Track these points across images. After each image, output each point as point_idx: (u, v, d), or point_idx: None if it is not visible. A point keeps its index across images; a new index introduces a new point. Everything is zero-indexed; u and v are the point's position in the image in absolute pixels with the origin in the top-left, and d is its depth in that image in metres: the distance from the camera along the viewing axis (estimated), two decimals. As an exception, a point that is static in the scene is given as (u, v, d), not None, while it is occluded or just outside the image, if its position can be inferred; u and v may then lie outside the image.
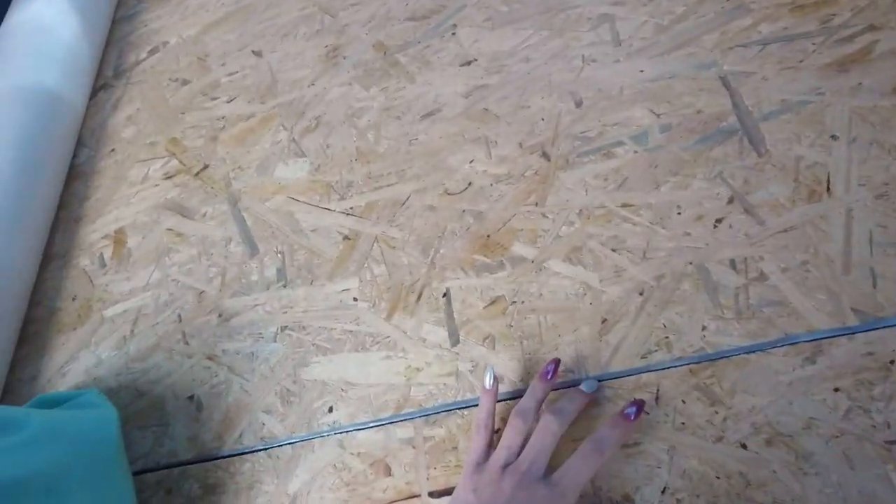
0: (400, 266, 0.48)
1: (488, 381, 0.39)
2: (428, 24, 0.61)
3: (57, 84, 0.66)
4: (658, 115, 0.47)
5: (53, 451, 0.39)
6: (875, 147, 0.40)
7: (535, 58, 0.54)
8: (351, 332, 0.46)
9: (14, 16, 0.70)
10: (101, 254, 0.59)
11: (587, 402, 0.36)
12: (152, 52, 0.74)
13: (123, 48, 0.76)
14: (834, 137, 0.42)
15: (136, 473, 0.45)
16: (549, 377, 0.37)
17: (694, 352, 0.38)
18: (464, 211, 0.48)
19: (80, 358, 0.53)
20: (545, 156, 0.49)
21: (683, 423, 0.36)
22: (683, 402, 0.36)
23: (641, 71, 0.50)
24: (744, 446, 0.34)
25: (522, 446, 0.35)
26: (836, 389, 0.34)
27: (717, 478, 0.34)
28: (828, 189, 0.40)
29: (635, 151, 0.46)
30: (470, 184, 0.50)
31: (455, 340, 0.43)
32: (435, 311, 0.45)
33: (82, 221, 0.62)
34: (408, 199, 0.51)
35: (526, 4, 0.58)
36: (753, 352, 0.36)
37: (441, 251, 0.47)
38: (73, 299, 0.57)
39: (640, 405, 0.34)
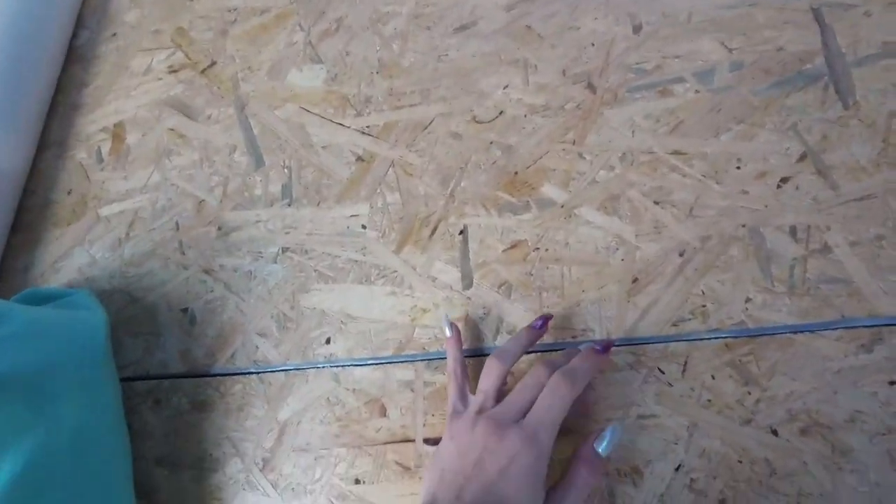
0: (416, 196, 0.42)
1: (448, 330, 0.35)
2: (473, -82, 0.51)
3: (54, -47, 0.58)
4: (730, 50, 0.39)
5: (37, 349, 0.36)
6: None
7: (594, -31, 0.45)
8: (356, 261, 0.42)
9: None
10: (99, 148, 0.54)
11: (602, 363, 0.32)
12: (161, -73, 0.64)
13: (130, -80, 0.66)
14: (941, 95, 0.34)
15: (125, 380, 0.43)
16: (538, 328, 0.33)
17: (733, 325, 0.33)
18: (492, 142, 0.42)
19: (73, 255, 0.50)
20: (591, 87, 0.41)
21: (710, 401, 0.32)
22: (713, 377, 0.32)
23: (718, -6, 0.41)
24: (775, 432, 0.30)
25: (499, 390, 0.31)
26: (892, 383, 0.29)
27: (740, 462, 0.30)
28: (923, 156, 0.33)
29: (697, 91, 0.39)
30: (501, 112, 0.43)
31: (468, 283, 0.39)
32: (449, 249, 0.40)
33: (80, 110, 0.57)
34: (431, 122, 0.44)
35: None
36: (802, 332, 0.32)
37: (462, 184, 0.42)
38: (69, 193, 0.53)
39: (608, 343, 0.32)
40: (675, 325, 0.34)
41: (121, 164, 0.52)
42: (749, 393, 0.31)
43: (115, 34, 0.59)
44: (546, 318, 0.34)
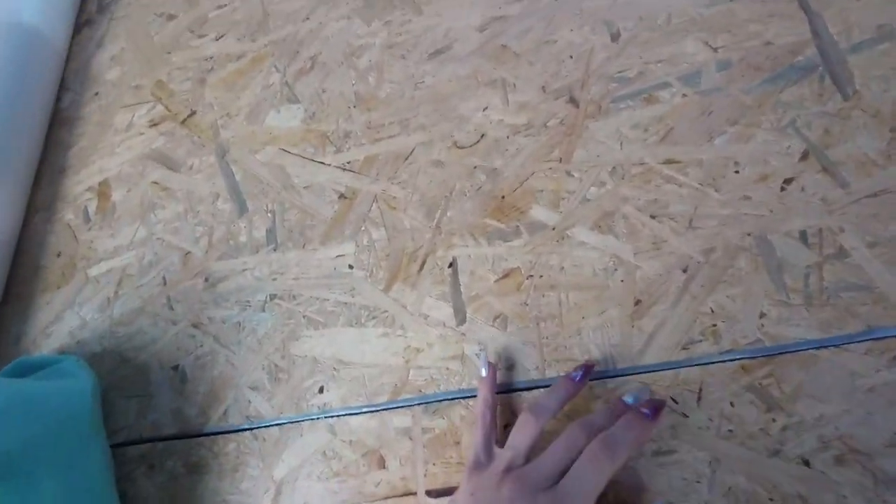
0: (401, 230, 0.41)
1: (483, 370, 0.32)
2: (439, -58, 0.50)
3: (36, 19, 0.58)
4: (715, 49, 0.37)
5: (19, 426, 0.34)
6: None
7: (566, -20, 0.44)
8: (345, 303, 0.40)
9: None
10: (86, 207, 0.53)
11: (650, 431, 0.28)
12: (138, -17, 0.65)
13: (108, -21, 0.67)
14: (949, 76, 0.32)
15: (118, 445, 0.41)
16: (578, 380, 0.30)
17: (748, 344, 0.30)
18: (475, 167, 0.40)
19: (64, 318, 0.49)
20: (573, 101, 0.40)
21: (731, 431, 0.29)
22: (732, 404, 0.29)
23: (697, -6, 0.39)
24: (806, 463, 0.27)
25: (531, 448, 0.28)
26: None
27: (771, 499, 0.27)
28: (937, 143, 0.31)
29: (684, 95, 0.37)
30: (483, 135, 0.41)
31: (461, 319, 0.37)
32: (439, 284, 0.38)
33: (66, 172, 0.56)
34: (412, 152, 0.43)
35: (557, -86, 0.46)
36: (826, 347, 0.29)
37: (448, 214, 0.40)
38: (58, 256, 0.52)
39: (659, 405, 0.27)
40: (685, 348, 0.31)
41: (107, 222, 0.51)
42: (774, 420, 0.28)
43: (97, 93, 0.59)
44: (587, 368, 0.31)
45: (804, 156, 0.33)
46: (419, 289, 0.38)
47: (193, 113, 0.53)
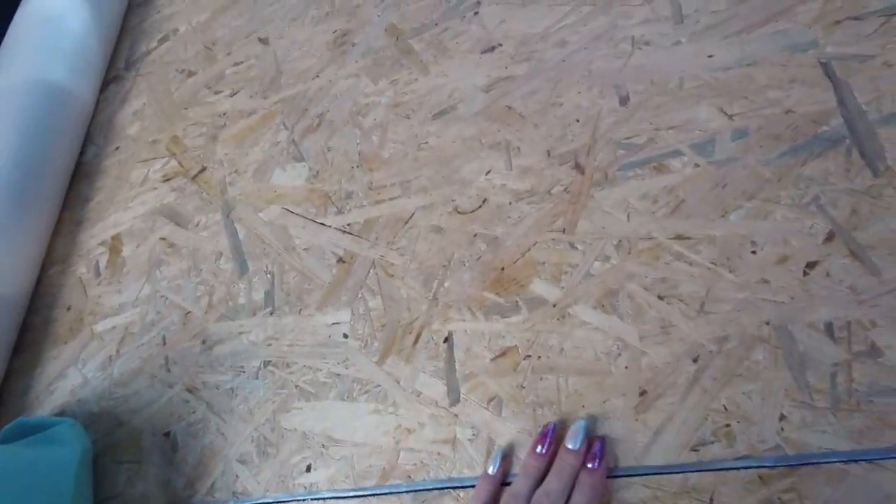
0: (398, 299, 0.40)
1: (492, 467, 0.31)
2: (448, 2, 0.51)
3: (65, 79, 0.62)
4: (731, 117, 0.36)
5: (5, 498, 0.34)
6: None
7: (573, 41, 0.43)
8: (338, 375, 0.39)
9: (25, 6, 0.66)
10: (97, 261, 0.55)
11: (602, 486, 0.28)
12: (162, 40, 0.68)
13: (136, 37, 0.71)
14: None
15: (105, 516, 0.41)
16: (543, 451, 0.29)
17: (767, 450, 0.27)
18: (475, 235, 0.39)
19: (68, 375, 0.50)
20: (578, 167, 0.38)
21: (747, 553, 0.26)
22: (749, 521, 0.26)
23: (710, 56, 0.38)
24: None
25: None
26: None
27: None
28: (982, 229, 0.28)
29: (697, 165, 0.35)
30: (485, 201, 0.40)
31: (455, 399, 0.35)
32: (434, 359, 0.37)
33: (83, 225, 0.58)
34: (411, 216, 0.42)
35: (565, -26, 0.46)
36: (857, 461, 0.26)
37: (446, 284, 0.39)
38: (68, 309, 0.53)
39: (599, 448, 0.29)
40: (694, 449, 0.28)
41: (116, 278, 0.53)
42: (796, 544, 0.25)
43: (118, 147, 0.62)
44: (548, 433, 0.30)
45: (829, 237, 0.30)
46: (413, 363, 0.37)
47: (204, 169, 0.54)
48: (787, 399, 0.28)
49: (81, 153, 0.63)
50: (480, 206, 0.40)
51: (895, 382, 0.26)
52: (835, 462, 0.26)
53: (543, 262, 0.36)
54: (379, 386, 0.37)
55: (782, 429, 0.27)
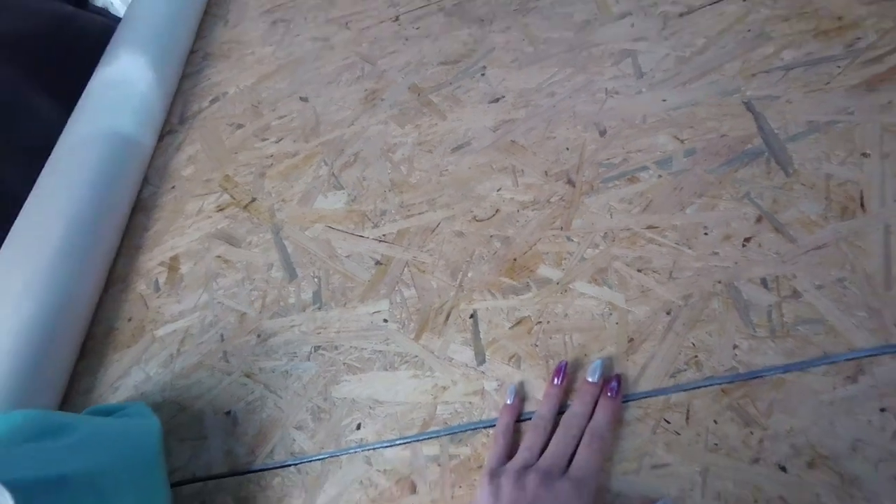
0: (429, 289, 0.49)
1: (509, 399, 0.38)
2: (459, 67, 0.64)
3: (132, 130, 0.73)
4: (682, 141, 0.47)
5: (98, 454, 0.41)
6: (910, 164, 0.39)
7: (560, 92, 0.56)
8: (380, 351, 0.47)
9: (103, 70, 0.78)
10: (157, 279, 0.63)
11: (618, 408, 0.36)
12: (213, 101, 0.81)
13: (188, 98, 0.84)
14: (865, 155, 0.41)
15: (173, 485, 0.46)
16: (559, 382, 0.37)
17: (725, 371, 0.36)
18: (491, 236, 0.49)
19: (131, 374, 0.56)
20: (570, 182, 0.49)
21: (717, 445, 0.34)
22: (716, 422, 0.35)
23: (664, 100, 0.50)
24: (783, 469, 0.32)
25: (541, 449, 0.34)
26: (883, 409, 0.32)
27: (755, 502, 0.32)
28: (861, 205, 0.39)
29: (660, 176, 0.46)
30: (497, 210, 0.51)
31: (481, 360, 0.43)
32: (462, 332, 0.45)
33: (142, 249, 0.67)
34: (438, 225, 0.52)
35: (550, 45, 0.60)
36: (790, 371, 0.35)
37: (469, 275, 0.48)
38: (129, 320, 0.61)
39: (617, 380, 0.37)
40: (672, 376, 0.37)
41: (175, 291, 0.61)
42: (752, 433, 0.33)
43: (173, 186, 0.72)
44: (561, 369, 0.38)
45: (759, 219, 0.41)
46: (445, 336, 0.45)
47: (254, 199, 0.65)
48: (738, 334, 0.37)
49: (139, 192, 0.73)
50: (494, 215, 0.50)
51: (812, 314, 0.36)
52: (775, 373, 0.35)
53: (547, 253, 0.46)
54: (416, 356, 0.46)
55: (735, 354, 0.36)
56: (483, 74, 0.62)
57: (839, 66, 0.46)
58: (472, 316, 0.46)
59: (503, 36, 0.64)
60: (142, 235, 0.69)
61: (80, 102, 0.76)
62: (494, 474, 0.34)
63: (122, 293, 0.64)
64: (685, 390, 0.36)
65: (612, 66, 0.55)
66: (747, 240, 0.40)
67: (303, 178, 0.64)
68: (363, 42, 0.75)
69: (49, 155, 0.70)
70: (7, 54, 0.77)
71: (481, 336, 0.44)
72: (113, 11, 1.12)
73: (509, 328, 0.44)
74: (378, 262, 0.53)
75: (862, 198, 0.39)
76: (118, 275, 0.66)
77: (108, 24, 0.94)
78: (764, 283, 0.38)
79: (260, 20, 0.91)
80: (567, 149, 0.52)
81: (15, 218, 0.64)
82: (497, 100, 0.59)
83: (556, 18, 0.63)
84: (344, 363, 0.48)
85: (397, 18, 0.75)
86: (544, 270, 0.45)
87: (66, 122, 0.75)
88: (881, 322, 0.34)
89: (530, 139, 0.54)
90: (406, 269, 0.51)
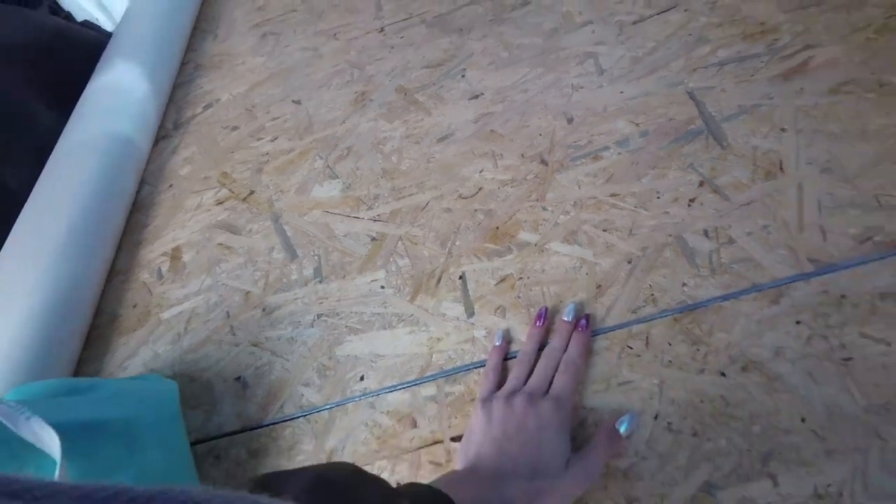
0: (421, 258, 0.56)
1: (497, 340, 0.46)
2: (441, 70, 0.73)
3: (129, 132, 0.79)
4: (637, 125, 0.57)
5: (126, 404, 0.46)
6: (818, 134, 0.49)
7: (532, 89, 0.65)
8: (379, 314, 0.54)
9: (99, 78, 0.85)
10: (160, 268, 0.69)
11: (588, 341, 0.44)
12: (207, 107, 0.88)
13: (182, 106, 0.91)
14: (783, 130, 0.50)
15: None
16: (541, 324, 0.45)
17: (677, 304, 0.44)
18: (475, 210, 0.57)
19: (139, 354, 0.61)
20: (544, 162, 0.58)
21: (670, 361, 0.42)
22: (669, 344, 0.43)
23: (621, 92, 0.60)
24: (723, 374, 0.40)
25: (526, 378, 0.41)
26: (798, 322, 0.40)
27: (701, 402, 0.39)
28: (781, 169, 0.48)
29: (619, 153, 0.55)
30: (480, 188, 0.59)
31: (470, 313, 0.51)
32: (453, 291, 0.53)
33: (142, 244, 0.73)
34: (427, 204, 0.60)
35: (523, 49, 0.70)
36: (727, 299, 0.43)
37: (457, 243, 0.56)
38: (134, 306, 0.66)
39: (586, 317, 0.44)
40: (633, 312, 0.45)
41: (178, 277, 0.67)
42: (698, 350, 0.42)
43: (171, 185, 0.78)
44: (542, 313, 0.45)
45: (700, 184, 0.50)
46: (437, 297, 0.53)
47: (252, 192, 0.71)
48: (686, 274, 0.46)
49: (137, 192, 0.79)
50: (477, 192, 0.59)
51: (743, 255, 0.45)
52: (716, 302, 0.43)
53: (525, 221, 0.54)
54: (412, 315, 0.53)
55: (684, 290, 0.45)
56: (463, 76, 0.71)
57: (762, 62, 0.56)
58: (461, 277, 0.53)
59: (480, 43, 0.74)
60: (141, 231, 0.75)
61: (78, 108, 0.82)
62: (486, 400, 0.41)
63: (124, 283, 0.69)
64: (644, 322, 0.44)
65: (576, 65, 0.65)
66: (692, 200, 0.49)
67: (299, 172, 0.71)
68: (351, 51, 0.84)
69: (46, 157, 0.76)
70: (7, 63, 0.83)
71: (470, 293, 0.52)
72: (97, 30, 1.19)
73: (494, 285, 0.51)
74: (374, 239, 0.60)
75: (781, 163, 0.49)
76: (119, 268, 0.71)
77: (99, 38, 1.01)
78: (706, 233, 0.47)
79: (249, 34, 1.00)
80: (540, 135, 0.61)
81: (14, 217, 0.69)
82: (477, 97, 0.68)
83: (527, 27, 0.73)
84: (346, 326, 0.55)
85: (382, 30, 0.85)
86: (524, 235, 0.53)
87: (61, 126, 0.81)
88: (796, 257, 0.43)
89: (507, 128, 0.63)
90: (399, 242, 0.58)
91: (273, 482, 0.28)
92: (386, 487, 0.32)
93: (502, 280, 0.51)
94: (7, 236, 0.69)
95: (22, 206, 0.72)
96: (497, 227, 0.55)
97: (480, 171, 0.60)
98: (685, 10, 0.65)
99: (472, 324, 0.50)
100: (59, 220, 0.68)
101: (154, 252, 0.71)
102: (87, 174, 0.73)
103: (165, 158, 0.83)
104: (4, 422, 0.37)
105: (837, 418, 0.36)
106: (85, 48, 0.96)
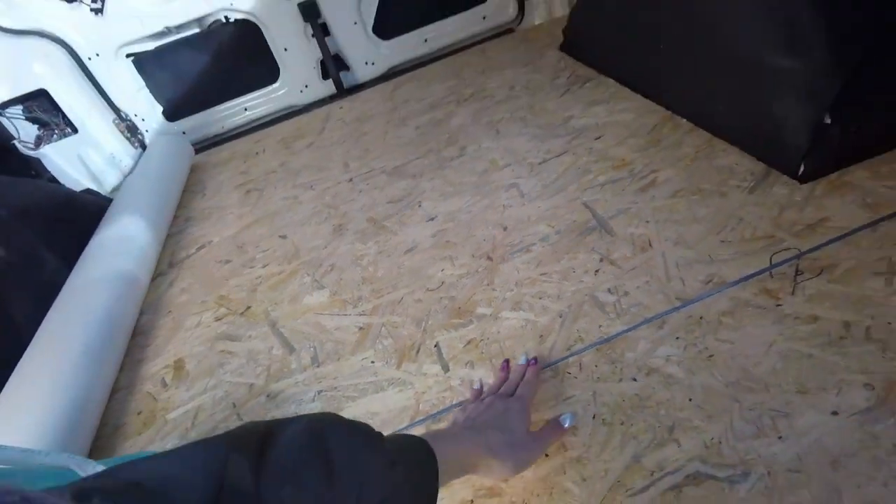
0: (402, 336, 0.71)
1: (476, 385, 0.60)
2: (402, 203, 0.96)
3: (134, 270, 0.94)
4: (552, 227, 0.80)
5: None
6: (668, 223, 0.73)
7: (474, 210, 0.88)
8: (371, 382, 0.67)
9: (107, 229, 1.01)
10: (163, 378, 0.79)
11: (536, 372, 0.59)
12: (199, 248, 1.05)
13: (176, 249, 1.07)
14: (647, 221, 0.74)
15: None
16: (503, 372, 0.60)
17: (597, 339, 0.62)
18: (441, 297, 0.75)
19: (147, 450, 0.69)
20: (489, 259, 0.78)
21: (598, 378, 0.58)
22: (596, 366, 0.59)
23: (539, 207, 0.84)
24: (634, 380, 0.56)
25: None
26: (677, 338, 0.59)
27: (623, 401, 0.55)
28: (650, 245, 0.71)
29: (543, 246, 0.77)
30: (443, 282, 0.77)
31: (446, 369, 0.65)
32: (430, 357, 0.67)
33: (144, 361, 0.83)
34: (402, 298, 0.77)
35: (464, 185, 0.95)
36: (630, 331, 0.61)
37: (429, 322, 0.72)
38: (139, 414, 0.74)
39: (535, 359, 0.60)
40: (568, 349, 0.62)
41: (183, 383, 0.77)
42: (616, 366, 0.58)
43: (170, 311, 0.91)
44: (504, 365, 0.61)
45: (601, 259, 0.71)
46: (418, 362, 0.67)
47: (249, 307, 0.86)
48: (600, 319, 0.64)
49: (137, 321, 0.91)
50: (441, 285, 0.77)
51: (636, 301, 0.64)
52: (622, 334, 0.61)
53: (481, 299, 0.72)
54: (399, 378, 0.66)
55: (601, 329, 0.63)
56: (420, 205, 0.94)
57: (627, 182, 0.83)
58: (436, 345, 0.68)
59: (430, 183, 0.99)
60: (142, 351, 0.85)
61: (86, 253, 0.97)
62: (462, 408, 0.55)
63: (127, 397, 0.78)
64: (576, 354, 0.61)
65: (504, 192, 0.90)
66: (597, 271, 0.70)
67: (290, 287, 0.87)
68: (326, 196, 1.07)
69: (50, 297, 0.88)
70: (23, 223, 0.99)
71: (444, 356, 0.67)
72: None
73: (462, 347, 0.67)
74: (360, 328, 0.75)
75: (650, 241, 0.71)
76: (121, 385, 0.80)
77: (100, 202, 1.19)
78: (609, 290, 0.67)
79: (234, 191, 1.22)
80: (484, 240, 0.82)
81: (20, 350, 0.79)
82: (432, 219, 0.90)
83: (464, 170, 0.99)
84: (344, 396, 0.67)
85: (351, 180, 1.09)
86: (481, 310, 0.71)
87: (63, 270, 0.94)
88: (668, 298, 0.63)
89: (459, 238, 0.84)
90: (383, 328, 0.74)
91: (276, 429, 0.34)
92: (371, 434, 0.40)
93: (468, 343, 0.67)
94: (12, 363, 0.77)
95: (25, 338, 0.82)
96: (459, 307, 0.72)
97: (442, 270, 0.79)
98: (573, 154, 0.93)
99: (449, 377, 0.64)
100: (70, 345, 0.78)
101: (156, 366, 0.81)
102: (98, 304, 0.85)
103: (163, 291, 0.97)
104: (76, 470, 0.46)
105: (710, 394, 0.53)
106: (89, 210, 1.14)
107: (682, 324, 0.60)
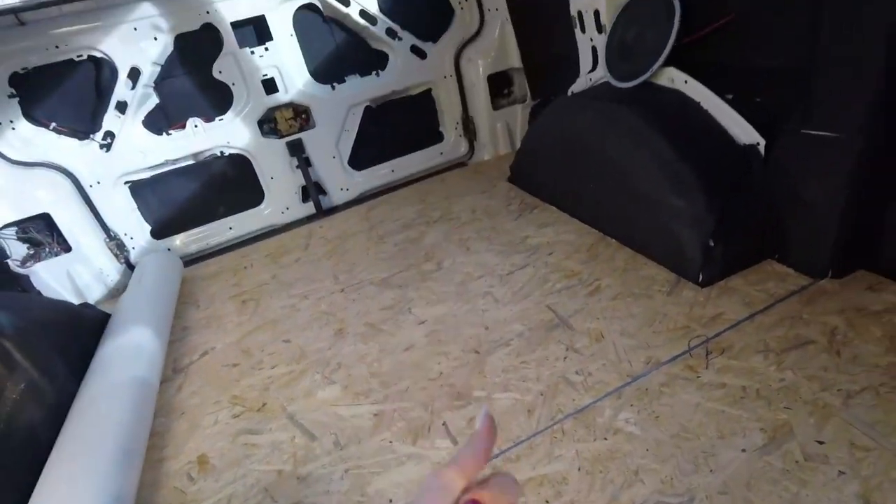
0: (413, 419, 0.87)
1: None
2: (393, 310, 1.15)
3: (146, 375, 1.04)
4: (525, 325, 1.01)
5: None
6: (613, 320, 0.97)
7: (458, 314, 1.09)
8: (392, 458, 0.81)
9: (114, 339, 1.11)
10: (189, 473, 0.88)
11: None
12: (203, 354, 1.16)
13: (178, 357, 1.18)
14: (598, 318, 0.98)
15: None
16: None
17: (572, 410, 0.81)
18: (442, 385, 0.92)
19: (186, 538, 0.77)
20: (477, 352, 0.98)
21: (578, 439, 0.77)
22: (575, 430, 0.78)
23: (511, 310, 1.06)
24: (605, 438, 0.76)
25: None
26: (632, 405, 0.79)
27: (599, 455, 0.74)
28: (602, 337, 0.94)
29: (519, 341, 0.98)
30: (441, 373, 0.95)
31: (455, 442, 0.81)
32: (440, 433, 0.83)
33: (165, 460, 0.91)
34: (408, 388, 0.94)
35: (446, 294, 1.16)
36: (596, 402, 0.81)
37: (435, 405, 0.89)
38: (170, 507, 0.82)
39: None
40: (551, 419, 0.81)
41: (211, 476, 0.86)
42: (588, 429, 0.77)
43: (183, 413, 1.01)
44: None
45: (567, 349, 0.93)
46: (430, 438, 0.83)
47: (265, 404, 0.98)
48: (572, 394, 0.84)
49: (152, 426, 0.99)
50: (440, 375, 0.95)
51: (598, 379, 0.85)
52: (591, 406, 0.81)
53: (475, 385, 0.91)
54: (416, 453, 0.81)
55: (573, 402, 0.82)
56: (410, 311, 1.13)
57: (578, 288, 1.07)
58: (443, 424, 0.85)
59: (416, 292, 1.19)
60: (161, 451, 0.94)
61: (96, 362, 1.06)
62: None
63: (153, 493, 0.86)
64: (557, 423, 0.80)
65: (481, 299, 1.12)
66: (564, 358, 0.91)
67: (302, 384, 1.01)
68: (322, 305, 1.23)
69: (64, 409, 0.96)
70: (42, 334, 1.07)
71: (451, 431, 0.83)
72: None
73: (466, 423, 0.84)
74: (375, 414, 0.90)
75: (601, 333, 0.94)
76: (144, 482, 0.88)
77: (97, 315, 1.28)
78: (577, 372, 0.88)
79: (229, 302, 1.35)
80: (470, 338, 1.02)
81: (41, 457, 0.86)
82: (423, 322, 1.09)
83: (444, 282, 1.21)
84: (369, 472, 0.80)
85: (343, 290, 1.27)
86: (477, 393, 0.89)
87: (71, 381, 1.02)
88: (621, 374, 0.85)
89: (449, 338, 1.03)
90: (395, 413, 0.89)
91: None
92: None
93: (471, 419, 0.84)
94: (35, 470, 0.84)
95: (44, 446, 0.88)
96: (459, 392, 0.90)
97: (439, 363, 0.97)
98: (533, 267, 1.18)
99: (458, 448, 0.80)
100: (99, 450, 0.86)
101: (179, 463, 0.90)
102: (119, 409, 0.94)
103: (171, 395, 1.06)
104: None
105: (660, 445, 0.73)
106: (90, 322, 1.22)
107: (633, 394, 0.81)
